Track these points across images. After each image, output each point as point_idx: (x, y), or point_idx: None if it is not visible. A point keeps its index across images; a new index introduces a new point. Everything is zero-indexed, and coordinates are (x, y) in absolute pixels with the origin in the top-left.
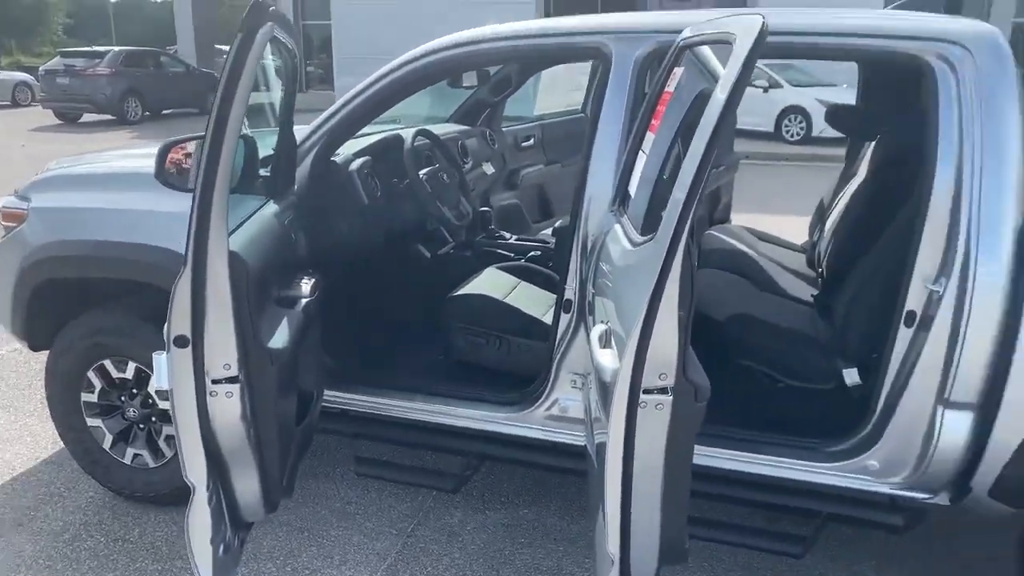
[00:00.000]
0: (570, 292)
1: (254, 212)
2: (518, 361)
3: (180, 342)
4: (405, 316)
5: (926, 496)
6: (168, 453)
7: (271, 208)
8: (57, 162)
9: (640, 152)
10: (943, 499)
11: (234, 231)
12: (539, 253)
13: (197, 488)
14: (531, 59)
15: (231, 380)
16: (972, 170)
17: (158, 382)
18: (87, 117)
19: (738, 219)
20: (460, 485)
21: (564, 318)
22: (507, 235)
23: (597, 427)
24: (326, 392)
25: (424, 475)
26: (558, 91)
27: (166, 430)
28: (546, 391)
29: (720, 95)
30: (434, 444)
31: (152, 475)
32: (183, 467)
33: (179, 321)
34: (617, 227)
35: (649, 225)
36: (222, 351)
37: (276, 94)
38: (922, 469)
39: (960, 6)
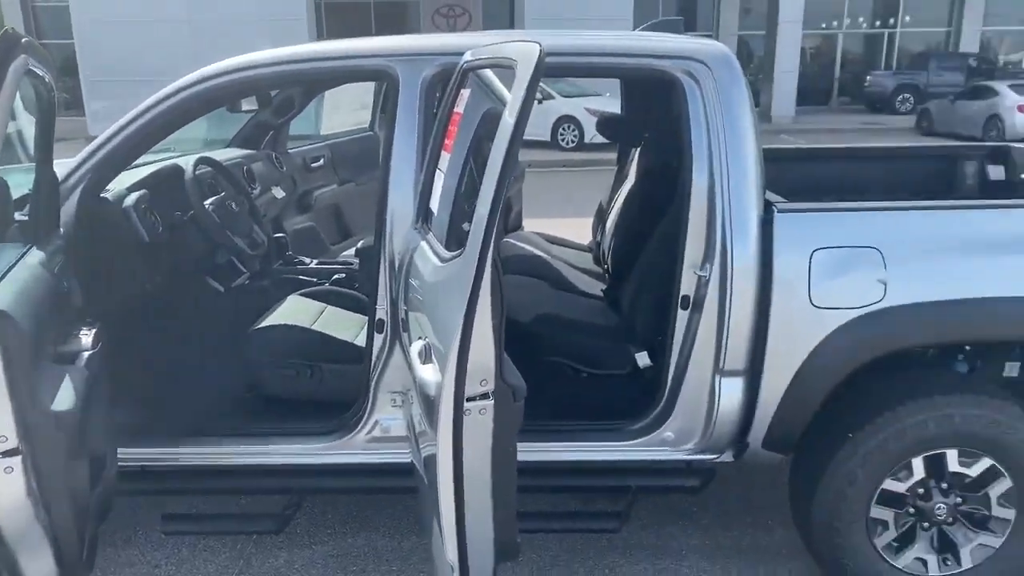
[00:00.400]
0: (381, 312)
1: (15, 262)
2: (333, 388)
3: None
4: (203, 357)
5: (715, 456)
6: None
7: (35, 256)
8: None
9: (437, 170)
10: (728, 457)
11: None
12: (343, 275)
13: None
14: (316, 82)
15: (9, 453)
16: (721, 168)
17: None
18: None
19: (529, 225)
20: (284, 525)
21: (377, 338)
22: (307, 260)
23: (423, 440)
24: (121, 450)
25: (242, 521)
26: (344, 109)
27: None
28: (366, 414)
29: (509, 119)
30: (251, 487)
31: None
32: None
33: None
34: (423, 244)
35: (454, 240)
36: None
37: (27, 128)
38: (709, 433)
39: (694, 24)
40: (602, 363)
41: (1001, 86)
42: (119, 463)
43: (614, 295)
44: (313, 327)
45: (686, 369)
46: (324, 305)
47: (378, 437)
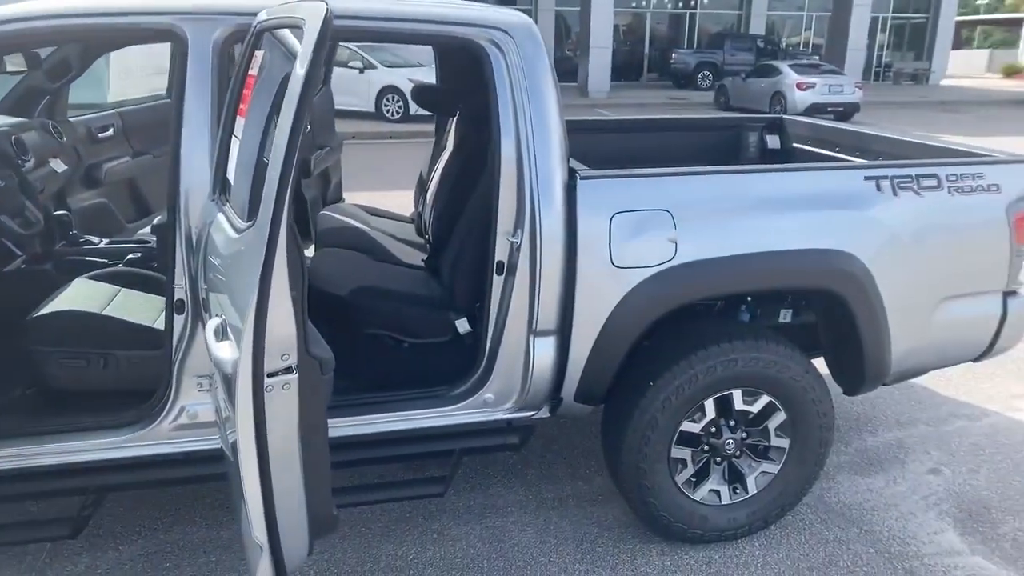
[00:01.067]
0: (180, 292)
1: None
2: (131, 376)
3: None
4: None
5: (532, 413)
6: None
7: None
8: None
9: (233, 137)
10: (545, 412)
11: None
12: (139, 255)
13: None
14: (91, 40)
15: None
16: (527, 137)
17: None
18: None
19: (351, 198)
20: (80, 528)
21: (178, 320)
22: (95, 239)
23: (228, 425)
24: None
25: (31, 529)
26: (135, 74)
27: None
28: (169, 401)
29: (299, 70)
30: (39, 491)
31: None
32: None
33: None
34: (220, 216)
35: (253, 210)
36: None
37: None
38: (526, 392)
39: None
40: (423, 332)
41: (783, 66)
42: None
43: (434, 264)
44: (104, 312)
45: (503, 332)
46: (117, 288)
47: (185, 424)
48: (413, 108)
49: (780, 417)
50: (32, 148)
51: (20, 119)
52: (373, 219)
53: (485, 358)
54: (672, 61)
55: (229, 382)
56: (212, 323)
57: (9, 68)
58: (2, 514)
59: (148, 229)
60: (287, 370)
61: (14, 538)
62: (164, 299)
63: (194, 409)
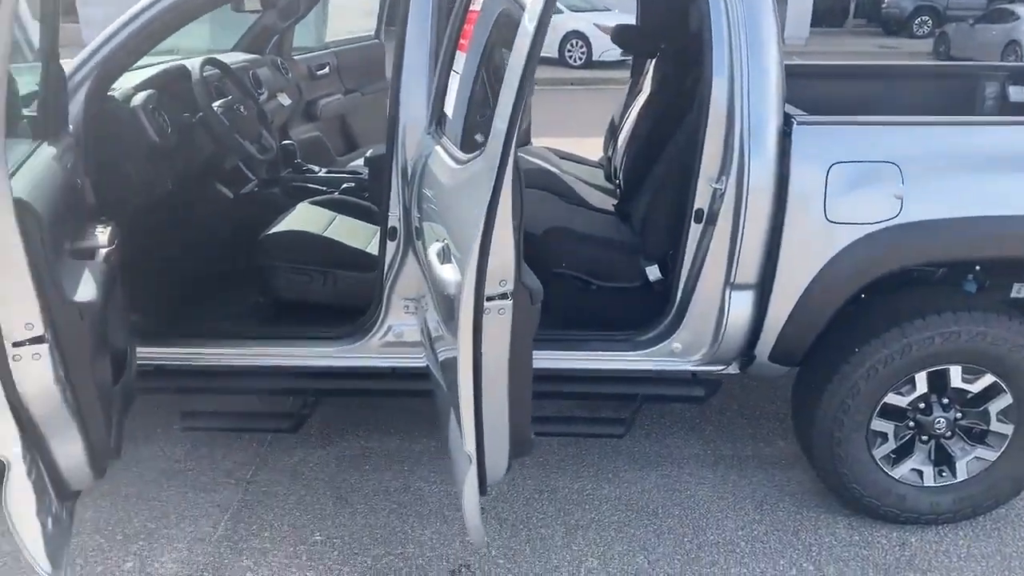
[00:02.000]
0: (394, 220)
1: (27, 157)
2: (346, 294)
3: None
4: (214, 261)
5: (721, 368)
6: None
7: (47, 151)
8: None
9: (452, 72)
10: (734, 368)
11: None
12: (352, 185)
13: (12, 463)
14: None
15: (36, 340)
16: (741, 79)
17: None
18: None
19: (537, 142)
20: (299, 424)
21: (390, 246)
22: (316, 168)
23: (440, 344)
24: (139, 349)
25: (259, 420)
26: (348, 16)
27: None
28: (379, 319)
29: (529, 25)
30: (268, 388)
31: None
32: None
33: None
34: (438, 149)
35: (471, 143)
36: (22, 310)
37: (31, 29)
38: (717, 345)
39: None
40: (612, 276)
41: (1023, 9)
42: (137, 362)
43: (626, 209)
44: (325, 234)
45: (696, 282)
46: (334, 214)
47: (391, 342)
48: (596, 54)
49: (1005, 400)
50: (265, 83)
51: (255, 55)
52: (563, 163)
53: (675, 307)
54: (884, 5)
55: (449, 302)
56: (434, 247)
57: (247, 7)
58: (236, 404)
59: (361, 161)
60: (503, 296)
61: (245, 426)
62: (374, 226)
63: (400, 329)
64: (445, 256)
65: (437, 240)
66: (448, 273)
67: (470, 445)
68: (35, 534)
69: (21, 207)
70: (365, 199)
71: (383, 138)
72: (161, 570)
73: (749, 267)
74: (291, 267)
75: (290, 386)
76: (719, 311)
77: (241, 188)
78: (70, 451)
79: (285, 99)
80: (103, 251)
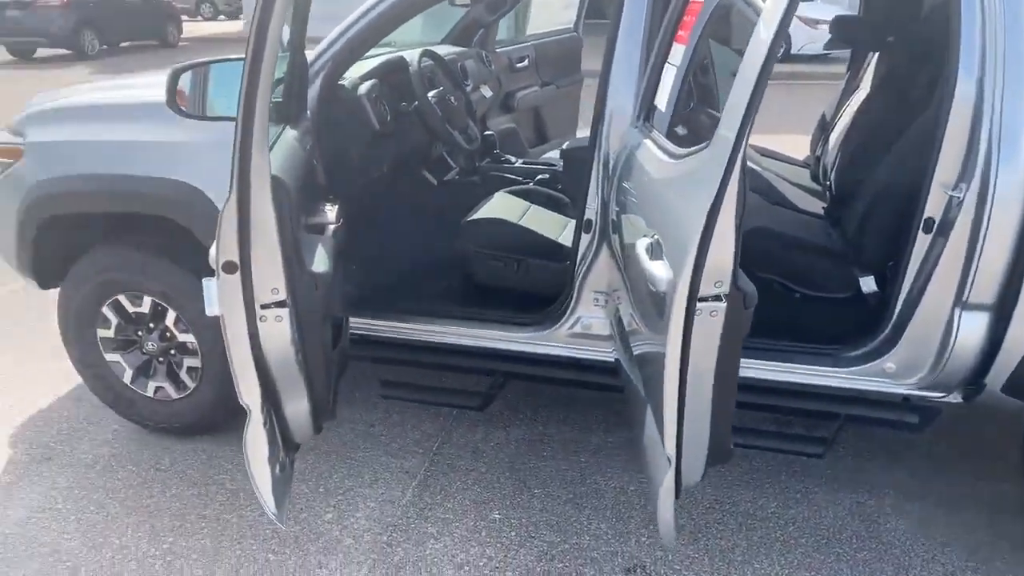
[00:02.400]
0: (591, 212)
1: (276, 138)
2: (537, 282)
3: (229, 268)
4: (419, 242)
5: (941, 395)
6: (191, 385)
7: (290, 134)
8: (39, 97)
9: (667, 65)
10: (956, 397)
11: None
12: (546, 176)
13: (252, 411)
14: None
15: (280, 304)
16: (995, 74)
17: (208, 308)
18: (42, 52)
19: None
20: (486, 403)
21: (585, 238)
22: (512, 159)
23: (636, 340)
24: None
25: (450, 395)
26: (550, 9)
27: (187, 362)
28: (569, 310)
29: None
30: (459, 365)
31: (176, 406)
32: (238, 390)
33: (227, 247)
34: (647, 142)
35: (684, 137)
36: (270, 276)
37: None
38: (939, 370)
39: None
40: (819, 284)
41: None
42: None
43: (837, 214)
44: (520, 223)
45: (920, 299)
46: (528, 203)
47: (579, 333)
48: (796, 47)
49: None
50: (471, 75)
51: (463, 48)
52: (764, 160)
53: (892, 323)
54: None
55: (658, 300)
56: (642, 242)
57: (457, 1)
58: (430, 379)
59: (555, 153)
60: (717, 297)
61: (437, 400)
62: (565, 217)
63: (588, 321)
64: (655, 252)
65: (643, 235)
66: (659, 270)
67: (670, 447)
68: (266, 477)
69: (276, 183)
70: (558, 191)
71: (573, 131)
72: (355, 524)
73: (987, 285)
74: (488, 253)
75: (480, 366)
76: (944, 332)
77: (444, 175)
78: (297, 408)
79: (487, 91)
80: (331, 227)
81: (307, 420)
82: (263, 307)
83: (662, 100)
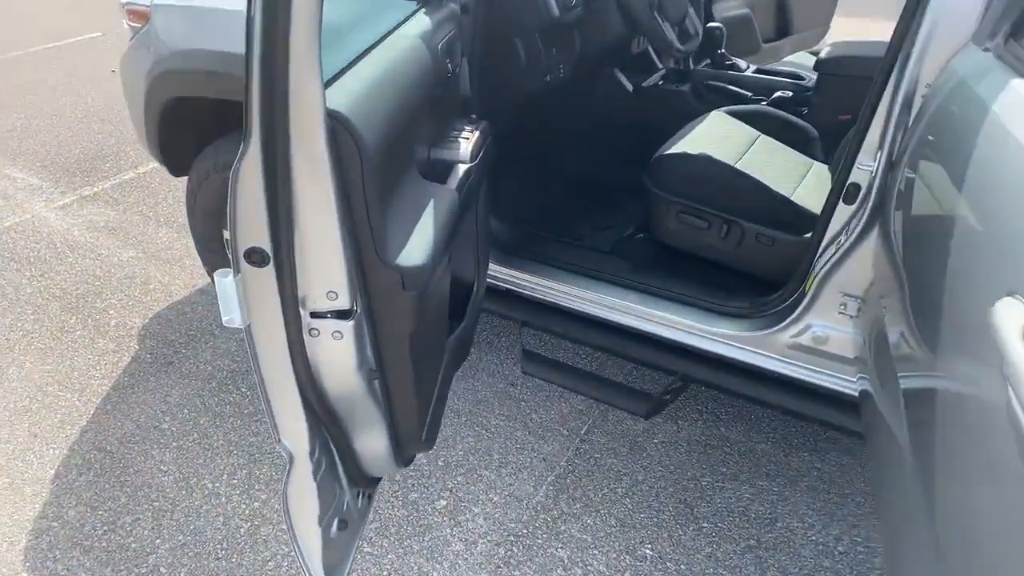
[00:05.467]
0: (863, 173)
1: (391, 29)
2: (754, 259)
3: (255, 258)
4: (596, 173)
5: None
6: None
7: (418, 24)
8: None
9: None
10: None
11: (348, 70)
12: (788, 95)
13: (296, 458)
14: None
15: (341, 315)
16: None
17: (225, 315)
18: None
19: None
20: (655, 411)
21: (844, 210)
22: (741, 64)
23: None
24: (493, 266)
25: (607, 390)
26: None
27: None
28: (797, 311)
29: None
30: (623, 352)
31: None
32: (273, 427)
33: (248, 227)
34: (1018, 82)
35: None
36: (324, 272)
37: None
38: None
39: None
40: None
41: None
42: (488, 278)
43: None
44: (738, 165)
45: None
46: (756, 134)
47: (804, 346)
48: None
49: None
50: None
51: None
52: None
53: None
54: None
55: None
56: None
57: None
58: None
59: (807, 61)
60: None
61: (588, 392)
62: (811, 161)
63: (823, 332)
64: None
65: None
66: None
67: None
68: (314, 543)
69: (341, 128)
70: (803, 118)
71: (826, 23)
72: (470, 524)
73: None
74: (684, 204)
75: (654, 360)
76: None
77: (644, 79)
78: (370, 442)
79: None
80: (461, 168)
81: (385, 456)
82: (315, 316)
83: None
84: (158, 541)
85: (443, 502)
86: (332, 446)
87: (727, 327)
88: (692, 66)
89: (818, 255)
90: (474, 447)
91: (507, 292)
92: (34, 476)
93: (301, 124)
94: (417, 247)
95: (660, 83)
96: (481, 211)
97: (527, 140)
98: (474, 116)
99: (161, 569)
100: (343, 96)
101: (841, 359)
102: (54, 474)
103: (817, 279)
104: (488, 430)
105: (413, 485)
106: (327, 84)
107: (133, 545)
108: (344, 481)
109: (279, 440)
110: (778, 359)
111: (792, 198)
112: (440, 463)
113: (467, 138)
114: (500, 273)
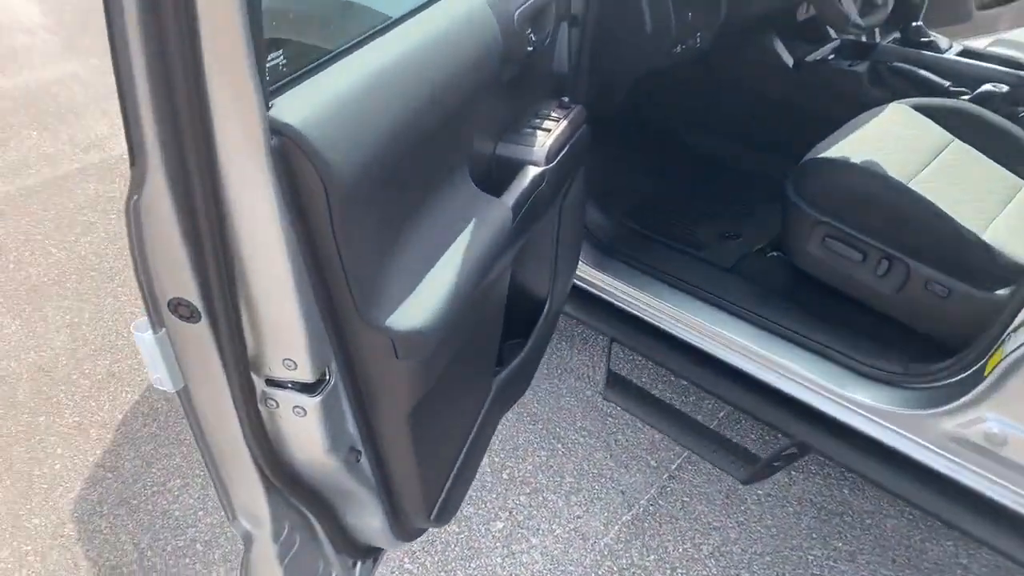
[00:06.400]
0: None
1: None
2: (916, 310)
3: (183, 312)
4: (730, 169)
5: None
6: None
7: None
8: None
9: None
10: None
11: (331, 63)
12: (1003, 88)
13: (256, 540)
14: None
15: (304, 388)
16: None
17: (154, 377)
18: None
19: None
20: (755, 478)
21: None
22: (942, 40)
23: None
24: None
25: (701, 440)
26: None
27: None
28: (972, 393)
29: None
30: (730, 400)
31: None
32: (225, 506)
33: (168, 276)
34: None
35: None
36: (276, 335)
37: None
38: None
39: None
40: None
41: None
42: (577, 279)
43: None
44: (917, 181)
45: None
46: (949, 138)
47: (971, 441)
48: None
49: None
50: None
51: None
52: None
53: None
54: None
55: None
56: None
57: None
58: (682, 397)
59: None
60: None
61: (680, 437)
62: (1016, 182)
63: (1002, 431)
64: None
65: None
66: None
67: None
68: None
69: (293, 149)
70: (1020, 123)
71: None
72: (524, 557)
73: None
74: (834, 225)
75: (766, 416)
76: None
77: (809, 52)
78: (363, 520)
79: None
80: (531, 173)
81: (385, 532)
82: (271, 384)
83: None
84: (201, 513)
85: (500, 524)
86: (313, 522)
87: (869, 395)
88: (878, 40)
89: (1014, 325)
90: (545, 463)
91: (597, 299)
92: (103, 419)
93: (232, 142)
94: (423, 302)
95: (830, 58)
96: (567, 217)
97: (643, 122)
98: (566, 99)
99: (197, 545)
100: (312, 101)
101: (1019, 468)
102: (121, 419)
103: (1006, 356)
104: (565, 445)
105: (471, 498)
106: (285, 85)
107: (176, 513)
108: (332, 556)
109: (232, 518)
110: (934, 449)
111: (986, 237)
112: (505, 476)
113: (548, 129)
114: (591, 276)
